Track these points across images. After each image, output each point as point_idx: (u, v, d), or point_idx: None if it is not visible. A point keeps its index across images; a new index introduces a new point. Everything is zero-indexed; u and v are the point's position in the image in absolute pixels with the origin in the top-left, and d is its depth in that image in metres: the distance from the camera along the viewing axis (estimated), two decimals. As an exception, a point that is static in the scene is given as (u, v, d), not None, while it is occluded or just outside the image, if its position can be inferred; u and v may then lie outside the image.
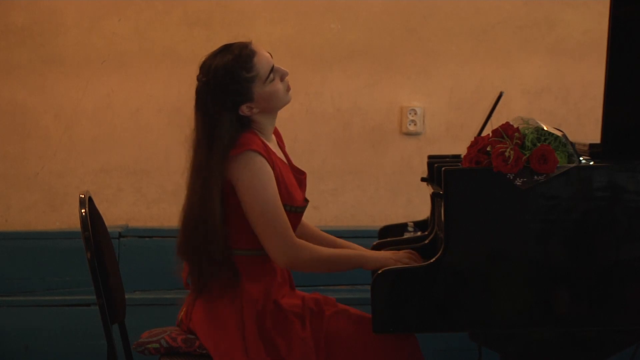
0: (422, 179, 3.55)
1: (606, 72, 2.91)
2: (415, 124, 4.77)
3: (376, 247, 3.42)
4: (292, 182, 3.00)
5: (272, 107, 2.96)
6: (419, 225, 3.72)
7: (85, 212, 2.95)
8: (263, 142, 2.92)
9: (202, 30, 4.77)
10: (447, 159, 3.52)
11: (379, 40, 4.77)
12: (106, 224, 3.17)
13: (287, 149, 3.15)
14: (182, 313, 3.05)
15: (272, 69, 2.93)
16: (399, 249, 3.25)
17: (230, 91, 2.87)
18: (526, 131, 2.74)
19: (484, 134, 3.15)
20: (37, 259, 4.56)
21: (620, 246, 2.74)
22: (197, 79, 2.91)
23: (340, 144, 4.81)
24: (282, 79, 2.96)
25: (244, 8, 4.77)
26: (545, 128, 2.75)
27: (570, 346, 2.84)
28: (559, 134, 2.76)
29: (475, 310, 2.74)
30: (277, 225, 2.85)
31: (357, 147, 4.82)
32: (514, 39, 4.78)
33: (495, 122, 2.99)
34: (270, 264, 2.94)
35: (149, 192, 4.81)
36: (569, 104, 4.80)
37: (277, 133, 3.11)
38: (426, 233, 3.50)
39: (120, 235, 4.58)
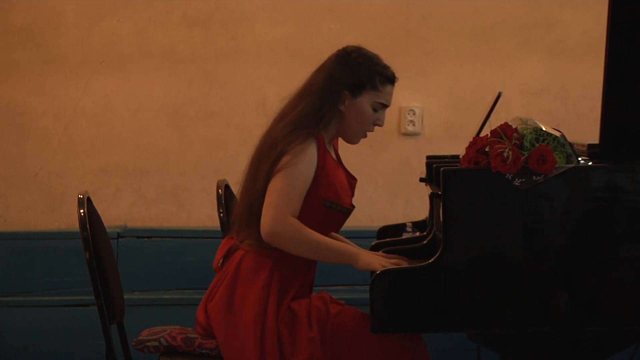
0: (421, 180, 3.55)
1: (605, 73, 2.91)
2: (414, 124, 4.77)
3: (374, 248, 3.42)
4: (344, 183, 3.04)
5: (345, 124, 3.02)
6: (418, 225, 3.72)
7: (84, 212, 2.95)
8: (324, 142, 2.98)
9: (202, 30, 4.77)
10: (446, 160, 3.52)
11: (378, 40, 4.76)
12: (105, 224, 3.17)
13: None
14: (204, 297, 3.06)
15: (383, 105, 3.02)
16: (397, 250, 3.25)
17: (356, 72, 2.99)
18: (525, 131, 2.74)
19: (482, 134, 3.15)
20: (36, 259, 4.55)
21: (620, 246, 2.74)
22: (345, 49, 3.06)
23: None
24: (374, 121, 3.03)
25: (243, 8, 4.77)
26: (543, 128, 2.75)
27: (570, 346, 2.84)
28: (557, 134, 2.76)
29: (474, 310, 2.74)
30: (282, 198, 2.87)
31: (356, 147, 4.77)
32: (513, 39, 4.78)
33: (494, 123, 2.99)
34: (301, 266, 2.96)
35: (148, 193, 4.80)
36: (568, 104, 4.80)
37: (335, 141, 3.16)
38: (425, 233, 3.50)
39: (119, 235, 4.58)
